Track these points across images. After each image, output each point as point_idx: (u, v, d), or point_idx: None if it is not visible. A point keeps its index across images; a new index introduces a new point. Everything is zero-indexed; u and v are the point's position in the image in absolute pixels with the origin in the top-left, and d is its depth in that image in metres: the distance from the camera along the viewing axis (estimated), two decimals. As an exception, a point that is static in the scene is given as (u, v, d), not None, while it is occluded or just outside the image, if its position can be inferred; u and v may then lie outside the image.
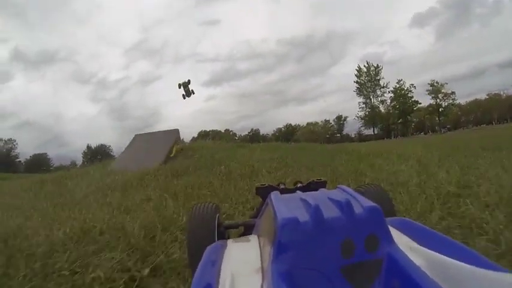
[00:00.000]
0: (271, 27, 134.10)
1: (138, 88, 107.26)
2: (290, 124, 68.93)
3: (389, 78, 51.78)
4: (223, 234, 0.92)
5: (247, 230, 0.94)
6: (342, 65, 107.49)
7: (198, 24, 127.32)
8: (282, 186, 0.93)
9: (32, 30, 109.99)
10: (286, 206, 0.44)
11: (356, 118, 52.58)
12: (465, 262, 0.33)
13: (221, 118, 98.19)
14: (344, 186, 0.51)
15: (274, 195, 0.53)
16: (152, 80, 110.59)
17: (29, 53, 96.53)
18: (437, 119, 52.84)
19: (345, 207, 0.38)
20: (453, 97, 50.07)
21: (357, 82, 51.86)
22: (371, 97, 51.45)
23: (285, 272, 0.34)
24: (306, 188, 0.87)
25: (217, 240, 0.83)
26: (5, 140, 53.67)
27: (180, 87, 11.27)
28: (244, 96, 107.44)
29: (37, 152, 59.67)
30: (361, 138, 65.37)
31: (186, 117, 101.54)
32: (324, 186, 0.85)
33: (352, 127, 72.05)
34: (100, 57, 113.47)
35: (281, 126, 70.56)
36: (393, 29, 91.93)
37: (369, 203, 0.40)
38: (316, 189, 0.60)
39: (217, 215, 0.92)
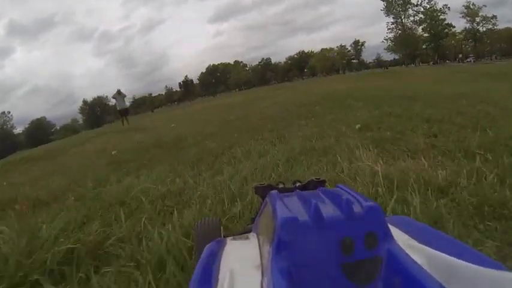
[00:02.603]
0: None
1: (142, 35, 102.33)
2: (303, 51, 63.33)
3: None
4: None
5: None
6: None
7: None
8: (280, 185, 0.94)
9: (24, 1, 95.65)
10: (286, 205, 0.45)
11: (384, 41, 45.65)
12: (466, 260, 0.33)
13: (231, 51, 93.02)
14: (343, 185, 0.51)
15: (273, 194, 0.54)
16: (156, 25, 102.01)
17: (25, 24, 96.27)
18: (469, 46, 46.75)
19: (344, 206, 0.39)
20: (493, 21, 41.26)
21: None
22: (402, 17, 43.82)
23: (284, 270, 0.35)
24: (305, 187, 0.87)
25: None
26: None
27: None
28: (252, 28, 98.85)
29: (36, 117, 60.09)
30: (380, 64, 60.42)
31: (195, 56, 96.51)
32: (323, 185, 0.85)
33: (369, 52, 65.72)
34: (98, 12, 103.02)
35: (294, 54, 64.86)
36: None
37: (368, 201, 0.41)
38: (315, 188, 0.62)
39: (221, 227, 1.01)
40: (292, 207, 0.44)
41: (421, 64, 44.60)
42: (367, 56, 62.10)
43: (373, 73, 27.19)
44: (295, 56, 63.93)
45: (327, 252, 0.37)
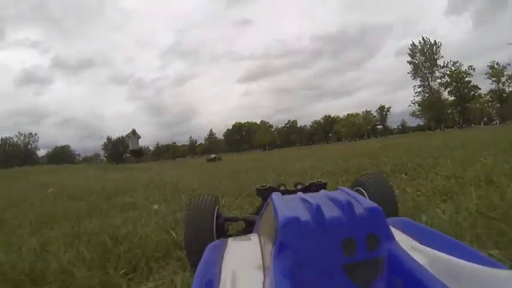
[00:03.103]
0: (304, 24, 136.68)
1: (173, 87, 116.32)
2: (329, 115, 65.35)
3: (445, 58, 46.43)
4: (223, 226, 0.94)
5: (247, 225, 0.95)
6: (378, 58, 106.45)
7: (231, 24, 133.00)
8: (282, 188, 0.94)
9: (71, 39, 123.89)
10: (287, 206, 0.45)
11: (412, 105, 46.00)
12: (467, 261, 0.33)
13: (258, 112, 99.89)
14: (345, 188, 0.52)
15: (275, 195, 0.54)
16: (188, 79, 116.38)
17: (69, 60, 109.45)
18: (494, 108, 48.32)
19: (346, 207, 0.39)
20: (521, 80, 45.16)
21: (410, 62, 45.96)
22: (429, 79, 45.56)
23: (286, 269, 0.35)
24: (306, 190, 0.89)
25: (216, 233, 0.86)
26: (25, 134, 57.60)
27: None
28: (280, 91, 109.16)
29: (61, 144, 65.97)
30: (404, 130, 61.24)
31: (222, 112, 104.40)
32: (325, 188, 0.88)
33: (395, 119, 68.05)
34: (136, 60, 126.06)
35: (319, 118, 66.68)
36: (429, 18, 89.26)
37: (369, 203, 0.41)
38: (316, 191, 0.62)
39: (217, 207, 0.93)
40: (294, 208, 0.44)
41: (445, 129, 44.57)
42: (391, 123, 63.80)
43: (407, 136, 25.20)
44: (321, 120, 65.43)
45: (329, 253, 0.37)
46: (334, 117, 64.55)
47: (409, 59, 45.74)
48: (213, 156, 15.76)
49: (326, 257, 0.37)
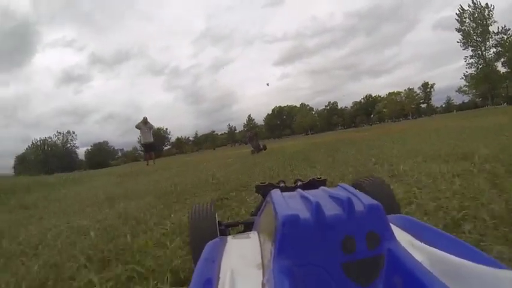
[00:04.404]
0: (336, 1, 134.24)
1: (209, 74, 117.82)
2: (370, 95, 64.07)
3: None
4: (224, 232, 0.96)
5: (247, 228, 0.98)
6: (417, 33, 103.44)
7: (261, 6, 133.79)
8: (282, 184, 0.96)
9: (105, 34, 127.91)
10: (287, 204, 0.45)
11: (463, 78, 41.55)
12: (467, 259, 0.33)
13: (297, 94, 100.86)
14: (345, 184, 0.52)
15: (274, 192, 0.55)
16: (224, 64, 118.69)
17: (105, 55, 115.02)
18: None
19: (346, 204, 0.39)
20: None
21: (459, 30, 40.77)
22: (482, 48, 39.85)
23: (286, 268, 0.35)
24: (306, 186, 0.90)
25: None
26: (63, 133, 59.25)
27: None
28: (317, 72, 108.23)
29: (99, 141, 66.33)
30: (448, 109, 59.34)
31: (261, 97, 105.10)
32: (325, 185, 0.89)
33: (437, 96, 65.92)
34: (170, 49, 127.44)
35: (360, 98, 65.48)
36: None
37: (369, 200, 0.41)
38: (316, 187, 0.62)
39: (216, 213, 0.96)
40: (294, 205, 0.44)
41: (495, 106, 41.94)
42: (434, 101, 61.87)
43: (461, 115, 20.49)
44: (362, 100, 64.22)
45: (328, 251, 0.37)
46: (375, 96, 63.25)
47: (453, 29, 42.57)
48: (249, 136, 10.14)
49: (325, 256, 0.36)
